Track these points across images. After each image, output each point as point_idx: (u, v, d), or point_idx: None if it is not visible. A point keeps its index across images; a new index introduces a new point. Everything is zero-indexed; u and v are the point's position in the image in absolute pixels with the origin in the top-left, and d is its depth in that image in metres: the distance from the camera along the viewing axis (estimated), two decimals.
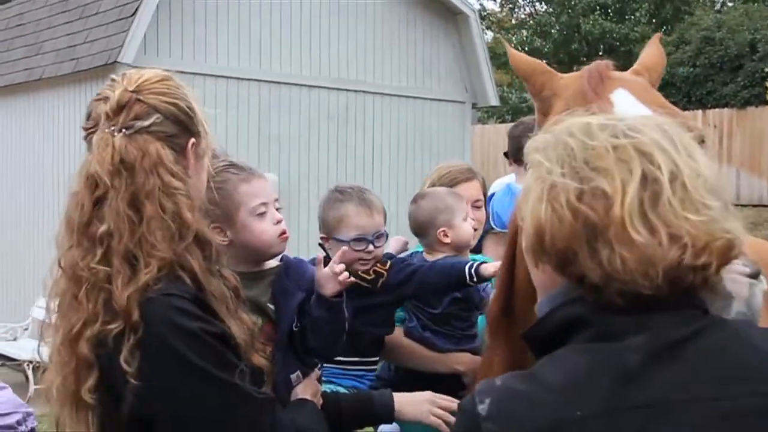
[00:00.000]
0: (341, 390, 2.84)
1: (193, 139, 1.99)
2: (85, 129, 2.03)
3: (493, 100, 12.82)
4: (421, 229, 3.22)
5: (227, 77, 9.86)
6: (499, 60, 27.37)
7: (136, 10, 9.38)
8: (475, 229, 3.34)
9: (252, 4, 10.49)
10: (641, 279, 1.33)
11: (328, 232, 2.87)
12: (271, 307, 2.31)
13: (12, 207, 11.51)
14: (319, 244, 2.91)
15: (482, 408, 1.35)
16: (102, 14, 9.96)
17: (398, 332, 3.18)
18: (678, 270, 1.34)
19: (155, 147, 1.91)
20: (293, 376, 2.26)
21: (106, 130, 1.94)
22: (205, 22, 10.12)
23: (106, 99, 1.96)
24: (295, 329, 2.32)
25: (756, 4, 24.64)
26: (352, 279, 2.39)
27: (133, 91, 1.94)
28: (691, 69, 20.45)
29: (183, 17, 9.99)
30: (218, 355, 1.82)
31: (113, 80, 2.01)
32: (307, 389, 2.24)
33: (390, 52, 11.69)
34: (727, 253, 1.38)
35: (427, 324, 3.20)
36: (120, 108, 1.93)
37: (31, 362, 8.72)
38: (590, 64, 2.15)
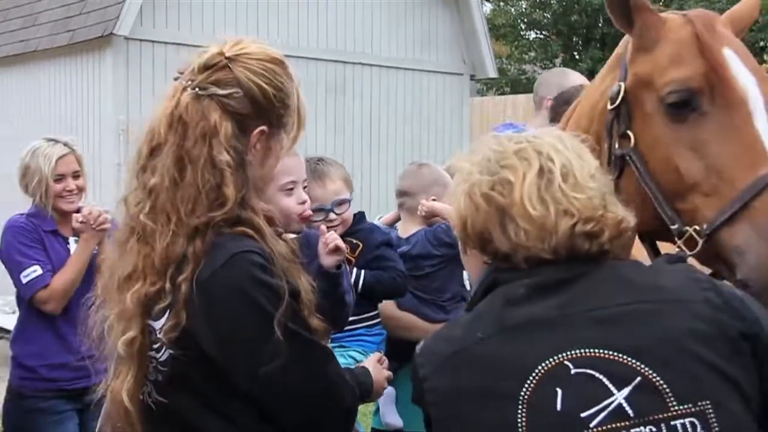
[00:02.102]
0: (353, 354, 2.89)
1: (264, 127, 1.93)
2: (177, 74, 1.99)
3: (492, 72, 12.76)
4: (412, 190, 3.30)
5: None
6: (497, 31, 27.24)
7: None
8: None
9: None
10: (540, 244, 1.64)
11: None
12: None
13: (9, 178, 11.47)
14: None
15: (417, 348, 1.73)
16: None
17: (392, 305, 3.19)
18: (573, 238, 1.64)
19: (217, 116, 1.87)
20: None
21: (183, 82, 1.92)
22: None
23: (203, 53, 1.93)
24: None
25: None
26: (338, 246, 2.44)
27: (227, 57, 1.90)
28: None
29: None
30: (293, 309, 1.83)
31: (220, 41, 1.97)
32: None
33: (388, 24, 11.62)
34: (618, 225, 1.68)
35: (417, 294, 3.25)
36: (206, 67, 1.90)
37: None
38: (694, 11, 2.13)
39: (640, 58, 2.11)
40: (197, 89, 1.89)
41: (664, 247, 2.10)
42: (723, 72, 1.98)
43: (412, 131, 11.86)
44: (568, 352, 1.54)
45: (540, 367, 1.54)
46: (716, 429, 1.49)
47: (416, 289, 3.29)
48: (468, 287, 3.29)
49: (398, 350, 3.11)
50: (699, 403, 1.50)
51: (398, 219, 3.60)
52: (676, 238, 1.96)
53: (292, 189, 2.37)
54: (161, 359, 1.88)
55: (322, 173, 2.98)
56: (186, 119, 1.87)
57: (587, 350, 1.54)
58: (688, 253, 1.91)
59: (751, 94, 1.97)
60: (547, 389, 1.52)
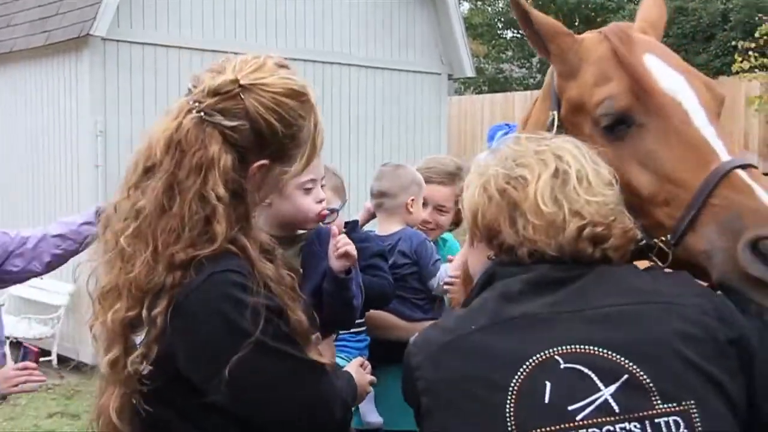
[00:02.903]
0: (336, 360, 2.89)
1: (265, 162, 1.85)
2: (190, 86, 1.88)
3: (469, 72, 12.76)
4: (392, 191, 3.33)
5: (203, 50, 9.66)
6: (475, 30, 27.28)
7: None
8: (432, 229, 3.54)
9: None
10: (546, 239, 1.67)
11: None
12: (300, 270, 2.28)
13: None
14: None
15: (412, 340, 1.75)
16: None
17: None
18: (579, 239, 1.67)
19: (217, 148, 1.78)
20: (313, 338, 2.22)
21: (190, 102, 1.82)
22: None
23: (218, 74, 1.82)
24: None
25: None
26: (348, 252, 2.38)
27: (241, 85, 1.79)
28: (665, 38, 20.37)
29: None
30: (273, 326, 1.77)
31: (242, 60, 1.85)
32: (327, 350, 2.22)
33: (366, 25, 11.60)
34: (626, 234, 1.72)
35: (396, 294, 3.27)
36: (216, 93, 1.80)
37: (8, 338, 8.65)
38: (607, 26, 2.11)
39: (567, 84, 2.08)
40: (203, 113, 1.80)
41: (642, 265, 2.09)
42: (647, 80, 1.93)
43: (391, 129, 11.85)
44: (559, 348, 1.56)
45: (531, 360, 1.55)
46: (699, 428, 1.50)
47: (396, 288, 3.31)
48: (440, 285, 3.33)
49: (376, 350, 3.13)
50: (683, 403, 1.52)
51: (371, 218, 3.63)
52: (649, 254, 1.91)
53: (311, 188, 2.33)
54: (144, 372, 1.80)
55: None
56: (184, 146, 1.79)
57: (578, 347, 1.56)
58: (662, 266, 1.87)
59: (683, 94, 1.93)
60: (537, 381, 1.53)
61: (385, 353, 3.00)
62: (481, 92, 27.08)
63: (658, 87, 1.92)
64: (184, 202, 1.76)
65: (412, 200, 3.40)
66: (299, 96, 1.86)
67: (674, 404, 1.51)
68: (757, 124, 18.31)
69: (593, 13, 26.01)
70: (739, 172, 1.80)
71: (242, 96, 1.79)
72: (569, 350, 1.56)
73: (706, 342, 1.59)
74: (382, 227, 3.47)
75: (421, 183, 3.43)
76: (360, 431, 3.25)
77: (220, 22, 10.17)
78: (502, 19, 29.72)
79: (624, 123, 1.92)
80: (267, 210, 2.25)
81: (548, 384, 1.53)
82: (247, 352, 1.70)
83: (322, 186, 2.37)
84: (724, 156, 1.83)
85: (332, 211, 2.92)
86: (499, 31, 30.38)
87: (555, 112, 2.07)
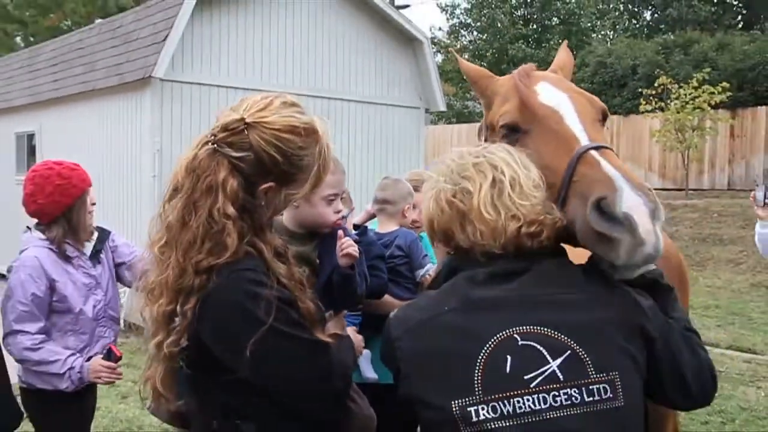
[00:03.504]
0: None
1: (271, 184, 1.73)
2: (215, 118, 1.78)
3: (442, 107, 12.66)
4: (394, 197, 3.38)
5: (234, 87, 9.68)
6: (446, 75, 27.31)
7: (166, 36, 9.15)
8: (418, 227, 3.46)
9: (255, 33, 10.28)
10: (492, 242, 1.60)
11: None
12: (317, 261, 2.24)
13: None
14: None
15: (391, 316, 1.67)
16: (141, 39, 9.71)
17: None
18: (519, 237, 1.60)
19: (225, 174, 1.67)
20: (327, 315, 2.14)
21: (208, 135, 1.71)
22: (219, 45, 9.92)
23: (233, 112, 1.72)
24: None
25: (636, 38, 24.83)
26: (350, 253, 2.29)
27: (246, 123, 1.69)
28: (590, 85, 20.60)
29: (203, 41, 9.77)
30: (285, 314, 1.67)
31: (254, 100, 1.74)
32: (336, 325, 2.14)
33: (361, 68, 11.52)
34: (554, 225, 1.63)
35: (391, 279, 3.26)
36: (226, 129, 1.70)
37: None
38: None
39: (487, 112, 2.07)
40: (216, 146, 1.70)
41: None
42: (530, 98, 1.87)
43: (380, 152, 11.78)
44: (517, 327, 1.52)
45: (495, 338, 1.51)
46: (620, 393, 1.50)
47: (390, 275, 3.33)
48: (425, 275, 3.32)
49: (373, 322, 3.10)
50: (610, 373, 1.51)
51: (370, 219, 3.64)
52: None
53: (332, 200, 2.25)
54: (183, 345, 1.72)
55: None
56: (198, 172, 1.69)
57: (531, 327, 1.53)
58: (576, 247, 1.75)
59: (561, 105, 1.84)
60: (499, 355, 1.50)
61: (379, 324, 2.99)
62: (450, 122, 27.08)
63: (538, 102, 1.86)
64: (199, 217, 1.67)
65: (407, 207, 3.42)
66: (300, 131, 1.74)
67: (604, 374, 1.50)
68: (658, 151, 18.43)
69: (537, 64, 26.03)
70: (592, 152, 1.69)
71: (247, 132, 1.69)
72: (525, 330, 1.52)
73: (625, 325, 1.57)
74: (382, 227, 3.45)
75: (413, 193, 3.43)
76: (360, 384, 3.23)
77: (249, 67, 10.13)
78: None
79: (515, 131, 1.87)
80: (294, 211, 2.20)
81: (509, 357, 1.49)
82: (263, 336, 1.62)
83: (343, 198, 2.31)
84: (583, 141, 1.74)
85: (342, 217, 2.89)
86: (464, 77, 30.31)
87: (485, 136, 2.06)
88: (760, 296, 10.72)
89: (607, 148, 1.72)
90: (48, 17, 25.63)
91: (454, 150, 1.78)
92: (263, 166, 1.71)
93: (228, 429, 1.75)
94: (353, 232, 2.80)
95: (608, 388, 1.50)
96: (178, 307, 1.70)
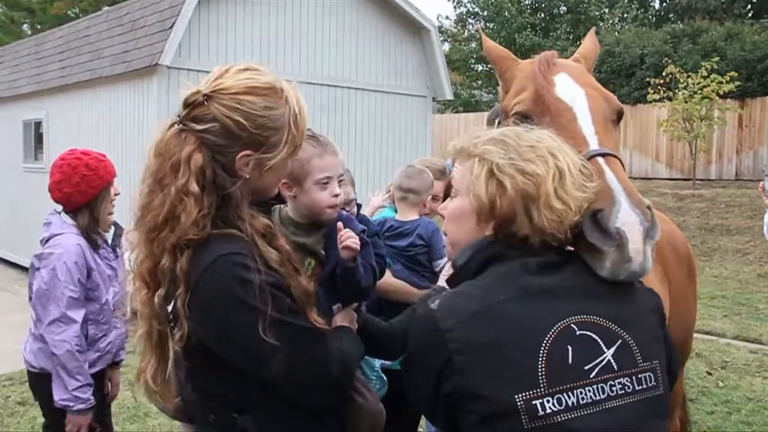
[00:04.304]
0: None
1: (247, 152, 1.68)
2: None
3: (449, 95, 12.63)
4: (419, 187, 3.42)
5: None
6: (453, 64, 27.20)
7: (173, 24, 9.14)
8: (427, 214, 3.50)
9: (262, 20, 10.25)
10: (556, 233, 1.54)
11: None
12: (323, 252, 2.17)
13: None
14: None
15: (433, 305, 1.53)
16: (147, 27, 9.69)
17: (388, 274, 3.20)
18: (572, 229, 1.56)
19: (190, 150, 1.64)
20: (335, 308, 2.09)
21: (174, 117, 1.69)
22: (226, 32, 9.89)
23: (186, 91, 1.69)
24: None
25: (644, 27, 24.65)
26: (350, 246, 2.18)
27: (204, 95, 1.66)
28: (598, 74, 20.47)
29: (209, 28, 9.75)
30: (279, 301, 1.62)
31: (210, 74, 1.70)
32: (344, 318, 2.07)
33: (370, 58, 11.49)
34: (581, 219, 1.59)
35: (401, 262, 3.28)
36: (186, 105, 1.68)
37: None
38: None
39: (505, 96, 2.05)
40: (182, 125, 1.67)
41: None
42: (547, 90, 1.85)
43: (388, 140, 11.75)
44: (573, 317, 1.49)
45: (554, 328, 1.47)
46: (661, 381, 1.54)
47: (409, 263, 3.33)
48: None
49: (390, 309, 3.11)
50: (653, 361, 1.54)
51: (381, 206, 3.68)
52: None
53: (327, 183, 2.13)
54: (176, 336, 1.66)
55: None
56: (163, 152, 1.66)
57: (585, 316, 1.50)
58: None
59: (577, 100, 1.83)
60: (561, 345, 1.46)
61: (395, 311, 2.98)
62: (457, 112, 27.03)
63: (554, 95, 1.85)
64: (165, 196, 1.63)
65: (431, 197, 3.44)
66: (260, 91, 1.68)
67: (648, 362, 1.52)
68: (665, 141, 18.32)
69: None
70: (599, 159, 1.69)
71: (207, 103, 1.66)
72: (581, 319, 1.49)
73: (656, 312, 1.62)
74: (403, 215, 3.44)
75: (435, 184, 3.45)
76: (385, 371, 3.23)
77: (256, 54, 10.06)
78: (475, 56, 29.65)
79: (527, 121, 1.86)
80: (293, 201, 2.16)
81: (570, 348, 1.46)
82: (258, 323, 1.58)
83: (341, 182, 2.25)
84: (593, 146, 1.74)
85: (350, 201, 2.85)
86: (471, 65, 30.29)
87: (499, 119, 2.04)
88: (767, 286, 10.69)
89: (613, 155, 1.72)
90: (55, 5, 25.65)
91: (490, 129, 1.71)
92: (231, 133, 1.66)
93: (225, 422, 1.71)
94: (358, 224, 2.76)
95: (652, 376, 1.53)
96: (161, 292, 1.65)
